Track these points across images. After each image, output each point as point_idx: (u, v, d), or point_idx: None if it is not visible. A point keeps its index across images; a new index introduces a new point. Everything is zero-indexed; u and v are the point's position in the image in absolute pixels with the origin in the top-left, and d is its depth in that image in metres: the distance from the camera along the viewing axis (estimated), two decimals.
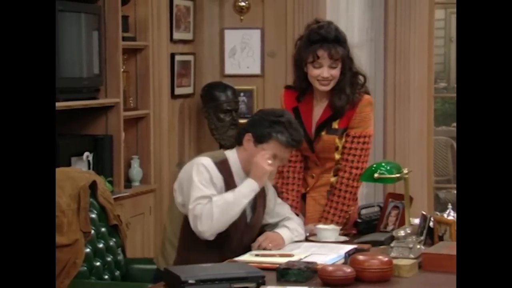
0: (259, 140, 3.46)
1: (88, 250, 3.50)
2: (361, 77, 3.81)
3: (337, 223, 3.74)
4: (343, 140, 3.78)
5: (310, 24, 3.85)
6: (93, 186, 3.59)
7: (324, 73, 3.69)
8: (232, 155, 3.53)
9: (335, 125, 3.78)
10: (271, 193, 3.67)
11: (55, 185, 3.35)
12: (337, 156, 3.81)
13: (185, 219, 3.45)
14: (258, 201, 3.56)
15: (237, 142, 3.55)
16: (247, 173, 3.48)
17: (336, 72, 3.71)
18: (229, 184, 3.47)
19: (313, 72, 3.71)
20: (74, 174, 3.60)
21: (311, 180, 3.88)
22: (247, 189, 3.40)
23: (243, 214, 3.46)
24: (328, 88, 3.73)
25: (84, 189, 3.49)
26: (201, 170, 3.42)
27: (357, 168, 3.77)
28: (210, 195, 3.37)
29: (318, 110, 3.81)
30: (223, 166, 3.48)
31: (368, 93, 3.84)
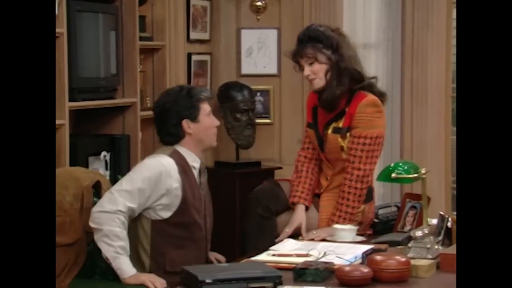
0: (194, 115, 3.54)
1: (91, 249, 3.50)
2: (354, 73, 3.80)
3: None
4: (347, 139, 3.78)
5: None
6: (97, 186, 3.59)
7: (305, 72, 3.80)
8: (179, 150, 3.56)
9: (339, 124, 3.78)
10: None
11: (60, 185, 3.38)
12: (344, 156, 3.80)
13: (153, 224, 3.47)
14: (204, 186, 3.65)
15: (175, 141, 3.57)
16: (205, 149, 3.64)
17: (316, 67, 3.78)
18: (186, 171, 3.51)
19: (302, 74, 3.83)
20: (79, 174, 3.60)
21: (325, 182, 3.89)
22: (124, 265, 3.29)
23: (200, 198, 3.54)
24: (316, 85, 3.80)
25: (88, 189, 3.49)
26: (154, 167, 3.45)
27: (359, 169, 3.75)
28: (127, 208, 3.36)
29: None
30: (178, 156, 3.53)
31: (376, 94, 3.81)
